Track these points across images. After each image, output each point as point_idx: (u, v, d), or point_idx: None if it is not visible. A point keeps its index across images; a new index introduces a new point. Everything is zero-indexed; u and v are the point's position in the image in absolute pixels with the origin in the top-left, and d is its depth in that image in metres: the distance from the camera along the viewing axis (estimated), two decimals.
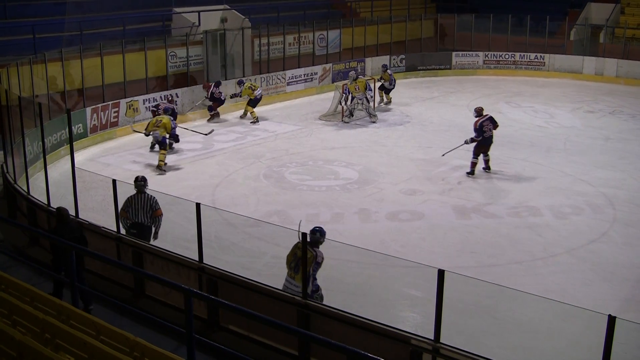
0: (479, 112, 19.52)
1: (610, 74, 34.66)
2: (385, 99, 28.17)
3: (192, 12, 28.09)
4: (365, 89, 25.10)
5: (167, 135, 20.18)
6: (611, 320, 7.74)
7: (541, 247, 14.69)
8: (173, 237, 13.43)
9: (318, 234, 10.56)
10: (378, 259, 12.39)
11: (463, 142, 19.62)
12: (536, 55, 36.26)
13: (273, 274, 11.98)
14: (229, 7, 29.85)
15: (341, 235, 14.65)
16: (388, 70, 28.28)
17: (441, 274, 8.77)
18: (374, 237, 14.96)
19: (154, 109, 22.51)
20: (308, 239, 10.08)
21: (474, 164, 19.31)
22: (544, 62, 36.18)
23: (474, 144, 19.19)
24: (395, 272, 12.62)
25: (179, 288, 7.97)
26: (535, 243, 14.91)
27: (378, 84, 27.79)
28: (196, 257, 11.35)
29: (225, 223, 14.89)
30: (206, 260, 11.42)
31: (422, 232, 15.40)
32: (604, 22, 37.59)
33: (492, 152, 19.78)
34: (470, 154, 19.30)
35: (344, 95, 25.22)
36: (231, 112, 26.27)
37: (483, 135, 19.09)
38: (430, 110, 27.61)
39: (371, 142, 22.70)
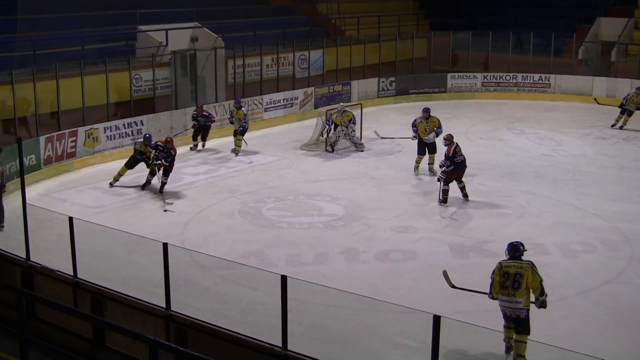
0: (449, 139, 19.66)
1: (623, 95, 34.74)
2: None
3: (159, 30, 28.18)
4: (350, 121, 25.09)
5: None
6: (436, 319, 7.78)
7: (550, 289, 14.55)
8: (138, 281, 13.35)
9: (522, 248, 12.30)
10: (367, 304, 12.35)
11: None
12: (541, 76, 36.52)
13: (250, 321, 11.93)
14: (199, 25, 29.96)
15: (326, 278, 14.65)
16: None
17: (437, 320, 8.75)
18: (362, 280, 14.93)
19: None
20: None
21: (445, 192, 19.59)
22: (550, 84, 36.45)
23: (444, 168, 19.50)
24: (386, 319, 12.58)
25: (144, 339, 7.91)
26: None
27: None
28: (163, 304, 11.29)
29: (196, 265, 14.82)
30: (174, 307, 11.35)
31: (416, 274, 15.38)
32: (615, 39, 37.89)
33: (494, 184, 19.90)
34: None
35: (327, 126, 25.25)
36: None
37: (454, 162, 19.37)
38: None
39: (358, 174, 22.73)
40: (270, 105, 29.93)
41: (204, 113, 25.11)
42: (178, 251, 13.86)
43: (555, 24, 40.10)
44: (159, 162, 20.01)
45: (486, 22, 42.25)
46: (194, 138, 25.48)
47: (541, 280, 11.66)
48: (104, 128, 23.97)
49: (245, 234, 17.65)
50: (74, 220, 12.46)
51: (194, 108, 25.55)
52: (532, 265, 11.83)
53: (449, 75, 36.90)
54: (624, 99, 28.19)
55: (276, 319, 10.12)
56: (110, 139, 23.77)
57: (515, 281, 11.69)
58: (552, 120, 31.42)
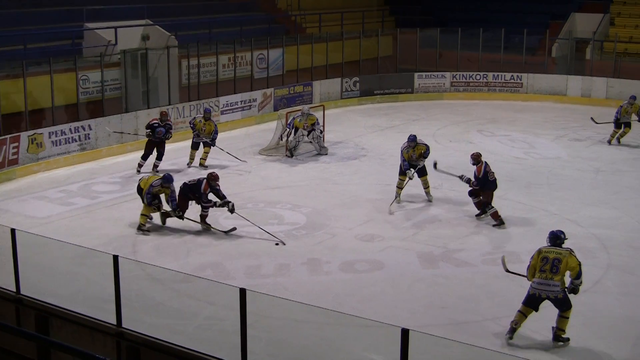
0: (476, 158, 19.23)
1: (599, 95, 35.32)
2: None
3: (108, 28, 28.06)
4: (313, 125, 25.08)
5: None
6: (404, 333, 7.86)
7: (520, 300, 14.79)
8: (86, 296, 13.25)
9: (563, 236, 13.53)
10: (331, 317, 12.34)
11: (458, 176, 19.65)
12: (512, 75, 36.83)
13: (207, 338, 11.88)
14: (151, 23, 29.87)
15: (287, 291, 14.66)
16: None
17: (405, 333, 8.78)
18: (326, 292, 14.94)
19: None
20: None
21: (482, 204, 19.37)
22: (522, 83, 36.77)
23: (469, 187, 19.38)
24: (352, 333, 12.57)
25: (94, 358, 7.88)
26: (516, 295, 14.90)
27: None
28: (114, 320, 11.22)
29: (149, 278, 14.73)
30: (126, 323, 11.29)
31: (382, 285, 15.41)
32: (590, 36, 38.35)
33: (465, 189, 20.05)
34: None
35: (287, 130, 25.21)
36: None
37: (488, 181, 19.07)
38: (389, 142, 27.73)
39: (321, 180, 22.76)
40: (227, 108, 29.85)
41: (169, 123, 23.45)
42: (130, 264, 13.83)
43: (527, 20, 40.48)
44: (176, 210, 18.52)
45: (455, 18, 42.64)
46: (145, 157, 23.20)
47: (580, 264, 12.95)
48: (49, 133, 23.73)
49: (201, 245, 17.59)
50: (17, 232, 12.35)
51: (155, 117, 23.66)
52: (571, 251, 13.05)
53: (416, 74, 37.04)
54: (616, 112, 27.60)
55: (235, 335, 10.10)
56: (56, 145, 23.57)
57: (553, 266, 12.81)
58: (525, 121, 31.69)
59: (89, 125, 24.75)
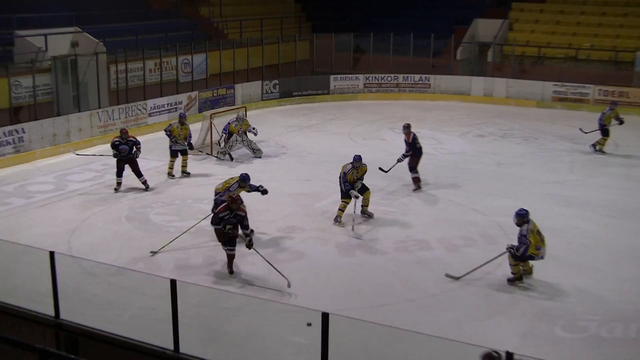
0: (407, 128, 21.51)
1: (499, 94, 36.01)
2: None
3: (38, 35, 27.68)
4: (247, 129, 25.10)
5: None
6: (509, 356, 8.11)
7: (432, 283, 15.11)
8: (24, 291, 13.20)
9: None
10: (257, 304, 12.51)
11: (398, 160, 21.36)
12: (421, 77, 37.31)
13: (141, 327, 11.94)
14: (80, 30, 29.54)
15: (215, 281, 14.74)
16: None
17: (325, 317, 8.97)
18: (251, 281, 15.07)
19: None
20: None
21: (417, 179, 21.44)
22: (430, 84, 37.27)
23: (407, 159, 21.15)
24: (277, 318, 12.74)
25: (33, 349, 7.90)
26: (426, 279, 15.33)
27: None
28: (52, 313, 11.21)
29: (85, 273, 14.71)
30: (64, 315, 11.29)
31: (303, 274, 15.57)
32: (491, 40, 39.07)
33: (377, 183, 20.34)
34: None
35: (224, 135, 25.21)
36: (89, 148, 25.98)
37: (415, 147, 21.23)
38: (308, 140, 28.00)
39: None
40: (154, 110, 29.69)
41: (131, 139, 21.25)
42: (65, 259, 13.79)
43: (434, 25, 40.87)
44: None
45: (367, 23, 42.88)
46: (119, 174, 21.32)
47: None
48: None
49: (132, 239, 17.57)
50: None
51: (117, 136, 21.56)
52: None
53: (332, 77, 37.26)
54: (600, 119, 26.36)
55: (167, 323, 10.18)
56: None
57: (540, 234, 15.00)
58: (433, 119, 32.12)
59: (22, 129, 24.42)
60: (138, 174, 21.30)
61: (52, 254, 11.16)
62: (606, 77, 34.82)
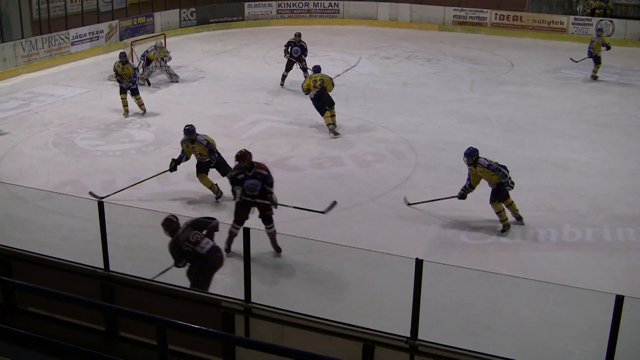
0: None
1: (404, 19, 36.03)
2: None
3: None
4: (165, 56, 24.59)
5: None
6: (418, 263, 8.21)
7: (346, 197, 15.17)
8: None
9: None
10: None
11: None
12: (330, 3, 37.08)
13: (71, 248, 11.76)
14: None
15: (140, 201, 14.59)
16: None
17: (246, 232, 8.94)
18: (173, 199, 14.96)
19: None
20: None
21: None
22: (339, 10, 37.06)
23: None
24: None
25: None
26: (340, 193, 15.37)
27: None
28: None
29: (15, 198, 14.41)
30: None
31: (223, 190, 15.48)
32: None
33: (291, 104, 20.25)
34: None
35: (142, 61, 24.67)
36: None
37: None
38: (224, 65, 27.66)
39: (165, 101, 22.48)
40: (76, 40, 28.86)
41: None
42: None
43: None
44: None
45: None
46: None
47: None
48: None
49: (60, 164, 17.20)
50: None
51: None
52: None
53: (246, 4, 36.69)
54: (589, 47, 25.28)
55: (96, 243, 10.03)
56: None
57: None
58: (342, 43, 32.01)
59: None
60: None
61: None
62: (501, 2, 35.03)
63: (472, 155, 13.49)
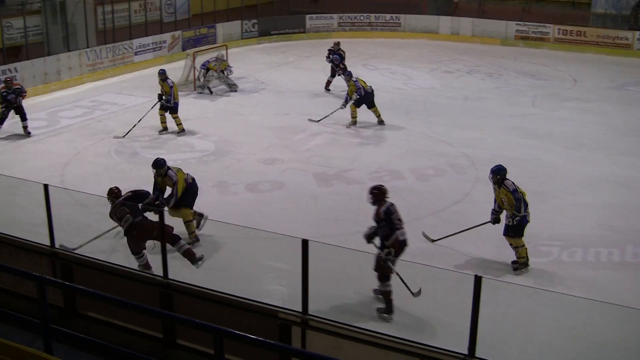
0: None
1: (466, 33, 35.79)
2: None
3: None
4: (225, 69, 24.93)
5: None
6: (477, 280, 8.11)
7: (405, 211, 14.98)
8: (21, 222, 13.07)
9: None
10: (240, 232, 12.43)
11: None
12: (392, 16, 36.97)
13: (131, 255, 11.86)
14: None
15: (200, 210, 14.65)
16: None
17: (305, 244, 8.93)
18: (234, 210, 15.01)
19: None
20: None
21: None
22: (400, 23, 36.95)
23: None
24: (258, 245, 12.71)
25: (31, 276, 7.83)
26: (399, 207, 15.13)
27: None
28: (48, 242, 11.12)
29: (77, 204, 14.59)
30: (59, 244, 11.20)
31: (283, 202, 15.55)
32: None
33: (350, 117, 20.25)
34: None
35: (202, 70, 24.95)
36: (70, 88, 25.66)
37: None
38: (285, 76, 27.78)
39: (226, 112, 22.66)
40: (140, 49, 29.30)
41: (16, 87, 20.26)
42: (59, 192, 13.61)
43: None
44: None
45: None
46: (2, 121, 20.06)
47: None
48: None
49: (122, 172, 17.40)
50: None
51: (2, 86, 20.25)
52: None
53: (308, 16, 36.85)
54: None
55: (156, 251, 10.12)
56: None
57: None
58: (403, 56, 31.92)
59: (15, 68, 23.98)
60: (24, 117, 20.19)
61: (46, 186, 11.02)
62: (565, 17, 34.63)
63: (497, 173, 12.67)
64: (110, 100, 23.96)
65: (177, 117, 20.40)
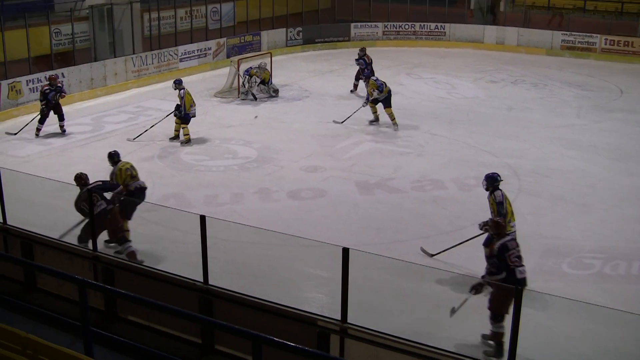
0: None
1: (511, 43, 35.51)
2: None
3: None
4: (266, 79, 25.16)
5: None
6: (518, 292, 8.03)
7: (447, 221, 15.03)
8: (64, 225, 13.18)
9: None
10: (280, 239, 12.45)
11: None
12: (437, 25, 36.81)
13: (173, 259, 11.94)
14: None
15: (241, 217, 14.73)
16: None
17: (346, 252, 8.89)
18: (275, 217, 15.06)
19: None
20: None
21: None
22: (445, 32, 36.77)
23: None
24: (298, 252, 12.71)
25: (73, 279, 7.89)
26: (441, 217, 15.25)
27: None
28: (90, 246, 11.22)
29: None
30: (100, 248, 11.30)
31: (325, 210, 15.55)
32: None
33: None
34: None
35: (246, 76, 25.08)
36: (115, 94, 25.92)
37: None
38: (329, 84, 27.79)
39: (269, 119, 22.72)
40: (185, 56, 29.54)
41: (59, 85, 20.94)
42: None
43: None
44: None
45: None
46: (42, 121, 20.63)
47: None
48: (27, 81, 23.32)
49: (164, 177, 17.55)
50: (1, 170, 12.23)
51: (45, 84, 21.18)
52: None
53: (352, 25, 36.84)
54: None
55: (196, 256, 10.15)
56: (33, 91, 23.11)
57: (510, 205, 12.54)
58: (447, 65, 31.79)
59: (62, 74, 24.28)
60: (62, 117, 20.86)
61: (89, 191, 11.12)
62: (612, 27, 34.24)
63: (487, 180, 12.62)
64: (155, 106, 24.13)
65: (186, 127, 20.21)
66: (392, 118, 21.37)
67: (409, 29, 37.04)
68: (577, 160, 19.06)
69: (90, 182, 12.59)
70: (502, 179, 12.70)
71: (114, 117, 22.71)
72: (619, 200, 16.32)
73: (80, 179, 12.53)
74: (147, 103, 24.47)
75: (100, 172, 17.50)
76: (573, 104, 25.06)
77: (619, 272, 12.98)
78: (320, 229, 14.40)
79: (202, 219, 10.04)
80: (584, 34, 34.08)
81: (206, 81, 28.01)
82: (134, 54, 27.37)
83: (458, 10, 37.72)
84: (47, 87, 20.50)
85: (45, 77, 22.71)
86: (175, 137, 20.42)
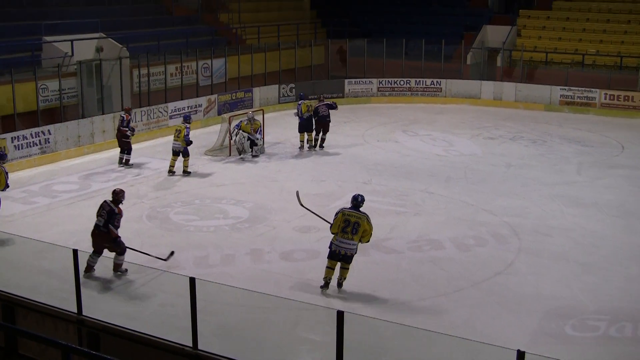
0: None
1: (509, 98, 35.81)
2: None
3: (65, 41, 27.65)
4: (257, 131, 25.15)
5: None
6: (520, 355, 7.94)
7: (445, 282, 14.95)
8: (48, 288, 13.10)
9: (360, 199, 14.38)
10: (273, 302, 12.36)
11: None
12: (432, 81, 37.14)
13: (161, 322, 11.81)
14: (104, 36, 29.50)
15: (232, 279, 14.61)
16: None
17: (340, 315, 8.83)
18: (267, 279, 14.94)
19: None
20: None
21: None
22: (441, 88, 37.09)
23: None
24: (292, 316, 12.61)
25: (56, 344, 7.79)
26: (439, 277, 15.17)
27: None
28: (74, 309, 11.11)
29: (106, 270, 14.60)
30: (86, 311, 11.18)
31: (318, 272, 15.40)
32: (500, 45, 38.88)
33: (391, 183, 20.16)
34: None
35: (236, 129, 25.12)
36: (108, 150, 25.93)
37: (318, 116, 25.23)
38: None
39: (261, 177, 22.73)
40: (175, 113, 29.61)
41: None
42: (87, 257, 13.70)
43: (444, 31, 40.71)
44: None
45: (379, 30, 42.75)
46: (130, 150, 24.19)
47: (372, 229, 14.17)
48: (12, 138, 23.28)
49: (153, 237, 17.46)
50: None
51: (126, 114, 24.23)
52: (367, 216, 14.14)
53: (346, 81, 37.17)
54: None
55: (186, 320, 10.07)
56: (18, 149, 23.20)
57: (354, 228, 13.97)
58: (444, 122, 31.96)
59: (49, 130, 24.36)
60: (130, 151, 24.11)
61: (75, 251, 11.07)
62: (611, 81, 34.54)
63: (354, 201, 14.38)
64: (144, 164, 24.11)
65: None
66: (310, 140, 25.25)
67: (404, 85, 37.33)
68: (578, 218, 19.05)
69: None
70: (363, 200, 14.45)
71: (101, 176, 22.67)
72: (622, 259, 16.28)
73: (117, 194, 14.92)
74: (136, 161, 24.43)
75: (85, 231, 17.49)
76: (573, 161, 25.16)
77: (626, 334, 12.87)
78: (314, 292, 14.28)
79: (192, 281, 9.98)
80: (583, 88, 34.43)
81: (197, 139, 27.92)
82: (122, 110, 27.43)
83: (454, 65, 38.10)
84: (129, 118, 23.79)
85: (31, 134, 22.91)
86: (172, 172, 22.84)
